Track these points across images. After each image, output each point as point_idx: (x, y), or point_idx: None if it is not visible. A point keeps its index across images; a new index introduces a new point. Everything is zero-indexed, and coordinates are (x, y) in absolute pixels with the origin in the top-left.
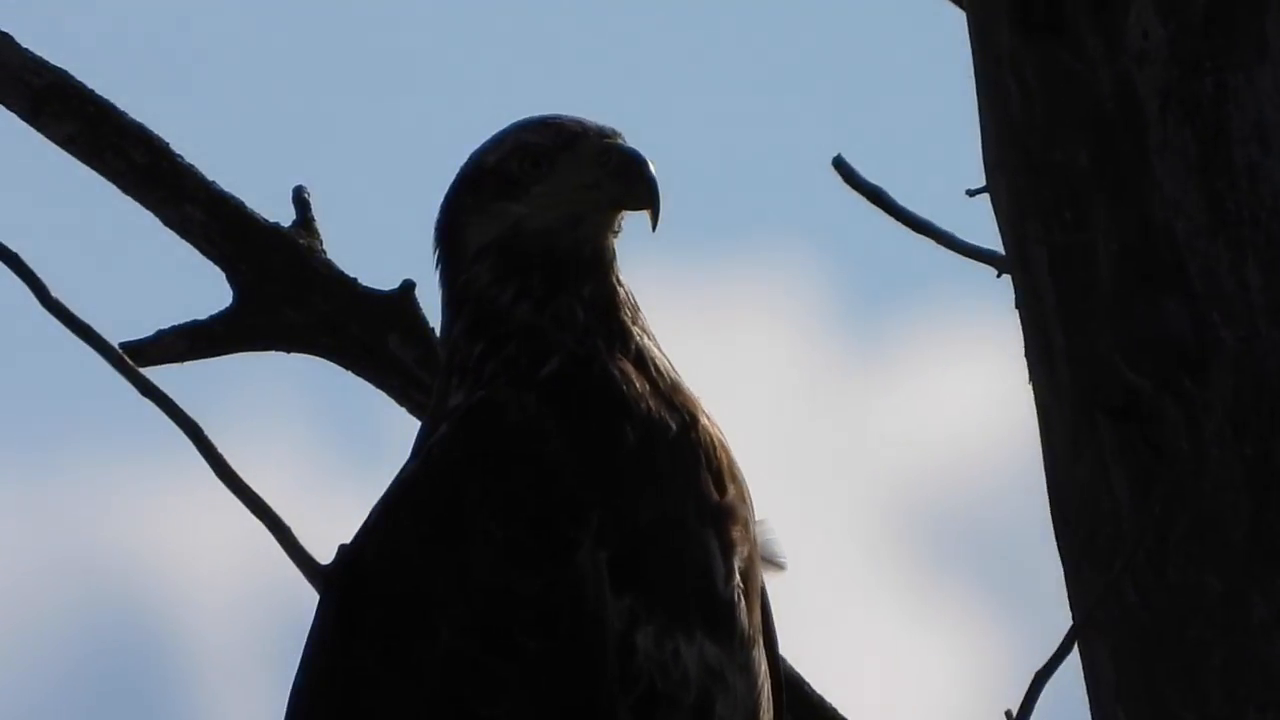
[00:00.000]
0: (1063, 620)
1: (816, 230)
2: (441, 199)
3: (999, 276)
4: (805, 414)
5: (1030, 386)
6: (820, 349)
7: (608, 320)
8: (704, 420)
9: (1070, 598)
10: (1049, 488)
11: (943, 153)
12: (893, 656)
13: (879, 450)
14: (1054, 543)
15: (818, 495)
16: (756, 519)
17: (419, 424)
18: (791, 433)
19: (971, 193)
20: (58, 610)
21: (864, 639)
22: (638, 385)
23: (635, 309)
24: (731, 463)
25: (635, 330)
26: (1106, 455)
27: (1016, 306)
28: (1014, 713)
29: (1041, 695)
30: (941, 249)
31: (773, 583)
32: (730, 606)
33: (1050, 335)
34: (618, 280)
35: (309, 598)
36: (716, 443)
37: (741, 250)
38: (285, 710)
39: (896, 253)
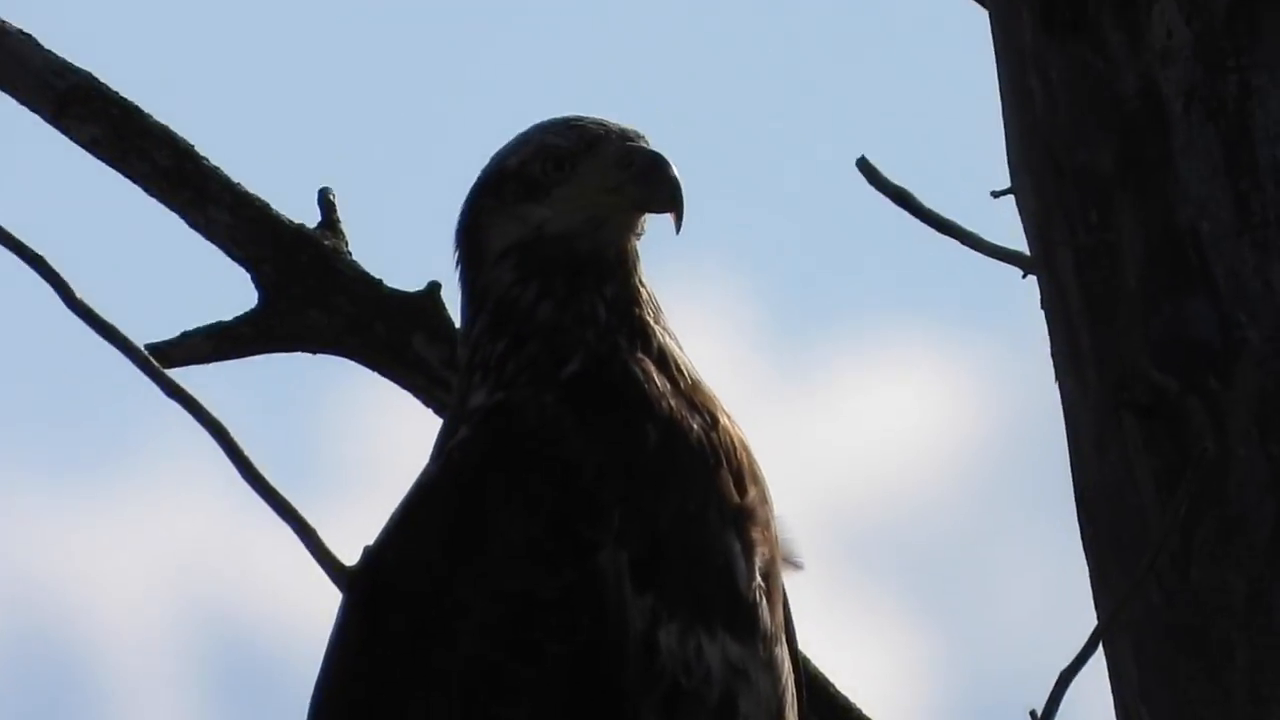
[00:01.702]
0: (1088, 619)
1: (750, 249)
2: (463, 200)
3: (1024, 277)
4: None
5: (1056, 386)
6: (750, 368)
7: (629, 319)
8: (724, 420)
9: (1095, 596)
10: (1074, 486)
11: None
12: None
13: (808, 466)
14: (989, 553)
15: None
16: (776, 518)
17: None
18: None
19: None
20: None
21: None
22: (659, 384)
23: (657, 309)
24: (753, 463)
25: (657, 329)
26: (1132, 454)
27: (1042, 307)
28: (1039, 712)
29: (1066, 694)
30: (966, 249)
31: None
32: (753, 606)
33: (1076, 335)
34: (640, 281)
35: (244, 618)
36: (738, 443)
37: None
38: (306, 713)
39: (826, 274)
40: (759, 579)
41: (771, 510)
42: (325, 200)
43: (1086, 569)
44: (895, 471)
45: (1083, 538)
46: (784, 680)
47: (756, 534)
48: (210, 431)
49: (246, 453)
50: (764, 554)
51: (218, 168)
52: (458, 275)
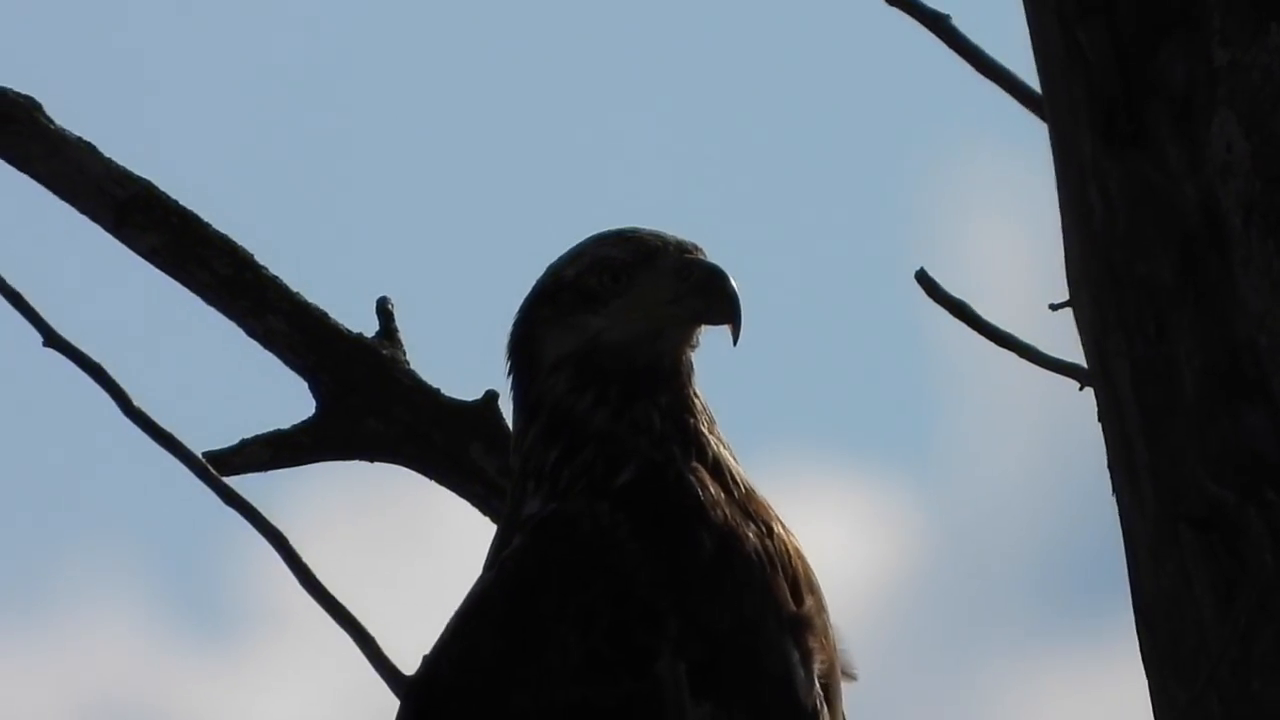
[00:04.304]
0: None
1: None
2: (518, 310)
3: (1081, 390)
4: None
5: (1113, 498)
6: None
7: (683, 428)
8: (779, 529)
9: (1154, 709)
10: (1133, 598)
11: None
12: None
13: None
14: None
15: None
16: (834, 627)
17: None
18: None
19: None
20: None
21: None
22: (713, 492)
23: (711, 419)
24: (809, 572)
25: (711, 439)
26: (1189, 566)
27: (1099, 420)
28: None
29: None
30: (1024, 362)
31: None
32: (813, 714)
33: (1133, 448)
34: (694, 391)
35: None
36: (793, 551)
37: None
38: None
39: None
40: (818, 687)
41: (829, 619)
42: (383, 309)
43: (1145, 682)
44: None
45: (1141, 650)
46: None
47: (814, 642)
48: (269, 539)
49: (305, 560)
50: (823, 661)
51: (277, 277)
52: (510, 384)
